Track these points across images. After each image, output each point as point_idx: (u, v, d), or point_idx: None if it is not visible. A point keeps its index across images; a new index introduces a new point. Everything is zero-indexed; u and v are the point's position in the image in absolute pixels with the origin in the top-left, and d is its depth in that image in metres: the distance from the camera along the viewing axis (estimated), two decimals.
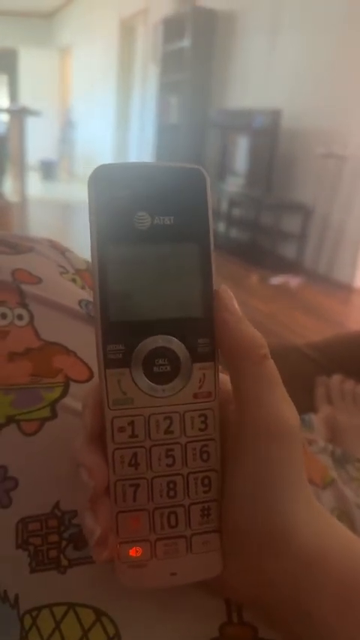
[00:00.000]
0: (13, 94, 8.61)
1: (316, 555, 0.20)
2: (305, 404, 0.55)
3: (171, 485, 0.22)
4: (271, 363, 0.22)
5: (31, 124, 4.85)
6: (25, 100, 6.93)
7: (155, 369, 0.21)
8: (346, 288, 3.07)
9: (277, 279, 3.09)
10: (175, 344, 0.21)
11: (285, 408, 0.21)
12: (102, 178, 0.20)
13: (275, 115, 3.28)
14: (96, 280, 0.20)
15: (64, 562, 0.24)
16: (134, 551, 0.22)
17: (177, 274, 0.21)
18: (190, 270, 0.21)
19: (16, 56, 8.13)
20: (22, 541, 0.25)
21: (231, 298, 0.22)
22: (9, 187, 4.72)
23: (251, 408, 0.21)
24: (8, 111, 5.10)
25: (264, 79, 3.66)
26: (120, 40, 6.15)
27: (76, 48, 7.85)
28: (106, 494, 0.21)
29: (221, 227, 3.96)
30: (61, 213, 4.93)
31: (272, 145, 3.33)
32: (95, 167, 0.20)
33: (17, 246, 0.34)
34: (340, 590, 0.20)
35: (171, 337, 0.21)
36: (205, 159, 4.18)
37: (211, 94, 4.31)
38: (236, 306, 0.22)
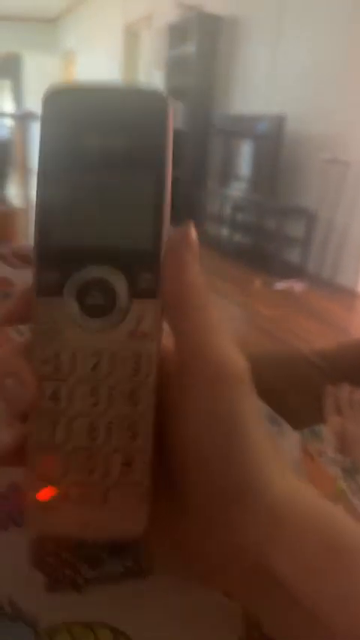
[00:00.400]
0: (17, 99, 8.67)
1: (288, 512, 0.19)
2: (314, 414, 0.56)
3: (93, 427, 0.20)
4: (213, 311, 0.21)
5: (35, 129, 4.88)
6: (29, 104, 6.98)
7: (89, 299, 0.19)
8: (350, 293, 3.07)
9: (281, 284, 3.09)
10: (114, 275, 0.19)
11: (231, 351, 0.20)
12: (53, 98, 0.19)
13: (279, 120, 3.29)
14: (37, 201, 0.19)
15: (80, 581, 0.24)
16: (46, 492, 0.20)
17: (125, 203, 0.19)
18: (140, 199, 0.19)
19: (19, 61, 8.19)
20: (38, 559, 0.25)
21: (190, 237, 0.20)
22: (12, 192, 4.75)
23: (197, 353, 0.20)
24: (12, 116, 5.14)
25: (268, 84, 3.67)
26: (124, 45, 6.20)
27: (80, 53, 7.91)
28: (25, 416, 0.20)
29: (225, 232, 3.97)
30: None
31: (276, 150, 3.34)
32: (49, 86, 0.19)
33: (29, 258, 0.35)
34: (308, 550, 0.19)
35: (110, 268, 0.19)
36: (209, 164, 4.20)
37: (215, 99, 4.33)
38: (195, 247, 0.21)
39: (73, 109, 0.19)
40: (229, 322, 2.53)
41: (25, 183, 4.76)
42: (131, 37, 6.11)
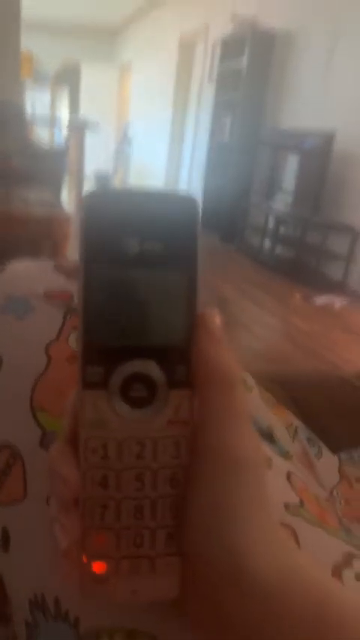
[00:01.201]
0: (73, 107, 8.95)
1: (276, 592, 0.20)
2: (354, 437, 0.57)
3: (139, 508, 0.22)
4: (236, 394, 0.22)
5: (89, 138, 5.05)
6: (85, 112, 7.20)
7: (132, 393, 0.21)
8: None
9: (321, 299, 3.08)
10: (153, 370, 0.21)
11: (242, 436, 0.21)
12: (94, 202, 0.20)
13: (328, 137, 3.29)
14: (81, 301, 0.20)
15: None
16: (98, 567, 0.22)
17: (161, 301, 0.21)
18: (175, 298, 0.21)
19: (78, 71, 8.46)
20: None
21: (214, 322, 0.22)
22: (66, 198, 4.93)
23: (208, 435, 0.21)
24: (69, 124, 5.32)
25: (319, 100, 3.68)
26: (178, 57, 6.30)
27: (136, 64, 8.09)
28: (76, 504, 0.22)
29: (267, 244, 3.99)
30: None
31: (323, 166, 3.34)
32: (89, 193, 0.20)
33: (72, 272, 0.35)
34: (301, 629, 0.19)
35: (150, 362, 0.21)
36: (254, 176, 4.23)
37: (265, 113, 4.36)
38: (219, 330, 0.22)
39: (112, 213, 0.20)
40: (266, 334, 2.55)
41: (78, 190, 4.92)
42: (186, 49, 6.21)
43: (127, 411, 0.21)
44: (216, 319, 0.22)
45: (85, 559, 0.22)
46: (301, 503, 0.31)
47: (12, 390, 0.29)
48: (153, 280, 0.21)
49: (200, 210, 0.22)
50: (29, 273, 0.34)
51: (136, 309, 0.21)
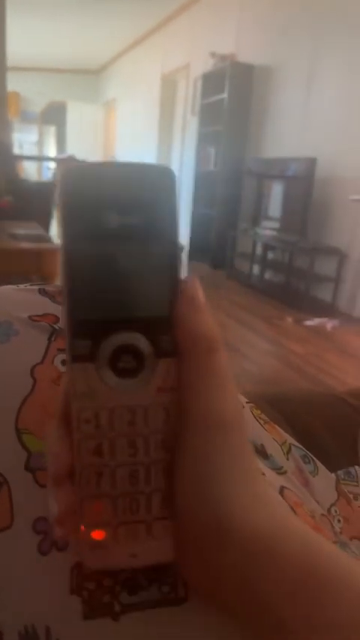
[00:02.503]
0: (60, 144, 9.15)
1: (263, 545, 0.20)
2: (350, 455, 0.56)
3: (133, 474, 0.22)
4: (218, 357, 0.22)
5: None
6: (72, 149, 7.35)
7: (120, 364, 0.21)
8: None
9: (312, 322, 3.10)
10: (140, 340, 0.21)
11: (224, 399, 0.22)
12: (72, 178, 0.20)
13: (310, 162, 3.38)
14: (64, 278, 0.20)
15: (117, 608, 0.24)
16: (97, 534, 0.22)
17: (144, 273, 0.21)
18: (157, 268, 0.21)
19: (64, 109, 8.68)
20: (77, 585, 0.24)
21: (195, 288, 0.22)
22: (55, 231, 4.97)
23: (190, 399, 0.21)
24: (55, 159, 5.42)
25: (299, 128, 3.79)
26: (161, 93, 6.50)
27: (120, 101, 8.32)
28: (67, 477, 0.22)
29: (256, 269, 4.03)
30: None
31: (307, 191, 3.42)
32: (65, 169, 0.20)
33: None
34: (292, 579, 0.20)
35: (136, 334, 0.21)
36: (241, 204, 4.31)
37: (248, 143, 4.48)
38: (200, 297, 0.22)
39: (90, 188, 0.20)
40: (260, 358, 2.55)
41: None
42: (168, 85, 6.41)
43: (116, 382, 0.21)
44: (197, 286, 0.22)
45: (83, 528, 0.22)
46: None
47: None
48: (135, 252, 0.21)
49: (177, 180, 0.21)
50: (13, 297, 0.34)
51: (120, 281, 0.21)
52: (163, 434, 0.22)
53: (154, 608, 0.24)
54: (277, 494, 0.23)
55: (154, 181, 0.21)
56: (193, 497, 0.21)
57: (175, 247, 0.21)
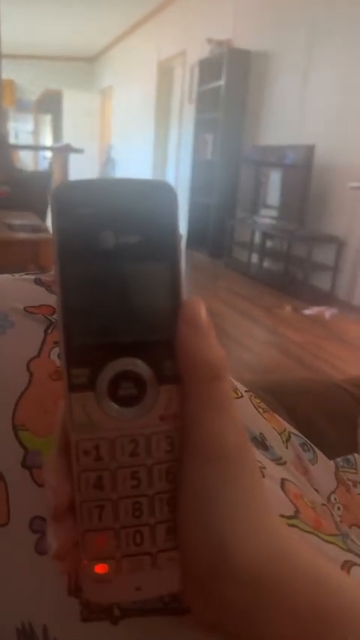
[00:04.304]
0: (56, 133, 9.08)
1: (267, 583, 0.20)
2: (349, 443, 0.54)
3: (136, 506, 0.21)
4: (222, 385, 0.21)
5: (73, 162, 5.10)
6: (68, 138, 7.30)
7: (121, 392, 0.20)
8: None
9: (310, 310, 3.10)
10: (141, 367, 0.20)
11: (227, 430, 0.20)
12: (65, 195, 0.19)
13: (308, 149, 3.35)
14: (59, 301, 0.19)
15: (117, 612, 0.24)
16: (100, 568, 0.21)
17: (143, 295, 0.20)
18: (157, 290, 0.20)
19: (60, 98, 8.60)
20: (75, 587, 0.24)
21: (197, 311, 0.20)
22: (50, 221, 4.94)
23: (192, 429, 0.20)
24: (52, 149, 5.38)
25: (297, 115, 3.75)
26: (158, 80, 6.43)
27: (116, 89, 8.24)
28: (68, 512, 0.21)
29: (254, 258, 4.02)
30: None
31: (305, 179, 3.39)
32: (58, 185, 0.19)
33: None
34: (296, 616, 0.19)
35: (136, 360, 0.20)
36: (238, 192, 4.29)
37: (245, 130, 4.44)
38: (203, 319, 0.20)
39: (84, 206, 0.19)
40: (258, 347, 2.55)
41: None
42: (165, 72, 6.34)
43: (117, 411, 0.20)
44: (200, 308, 0.21)
45: (85, 561, 0.21)
46: (296, 512, 0.30)
47: None
48: (133, 274, 0.20)
49: (177, 195, 0.20)
50: (8, 287, 0.33)
51: (117, 305, 0.20)
52: (167, 464, 0.21)
53: (155, 616, 0.23)
54: (284, 526, 0.23)
55: (152, 198, 0.20)
56: (195, 532, 0.20)
57: (177, 267, 0.20)
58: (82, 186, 0.19)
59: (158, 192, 0.20)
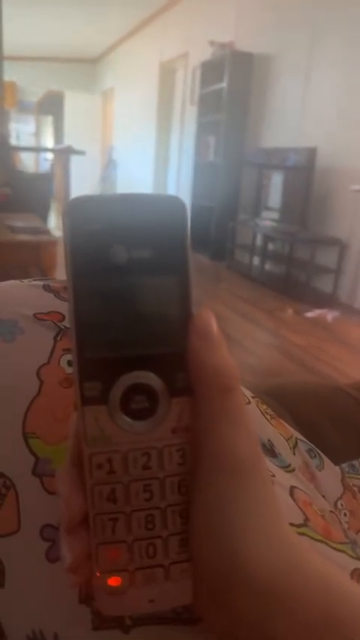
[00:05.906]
0: (58, 134, 9.09)
1: (279, 593, 0.20)
2: (354, 448, 0.55)
3: (149, 519, 0.21)
4: (234, 396, 0.21)
5: (75, 163, 5.10)
6: (69, 139, 7.30)
7: (133, 405, 0.20)
8: None
9: (312, 313, 3.10)
10: (153, 380, 0.20)
11: (240, 441, 0.20)
12: (77, 211, 0.19)
13: (310, 152, 3.35)
14: (72, 315, 0.19)
15: (128, 621, 0.24)
16: (113, 581, 0.21)
17: (154, 309, 0.20)
18: (168, 303, 0.20)
19: (61, 99, 8.61)
20: (86, 596, 0.24)
21: (208, 323, 0.21)
22: (53, 223, 4.95)
23: (205, 441, 0.21)
24: (54, 150, 5.38)
25: (299, 118, 3.75)
26: (160, 82, 6.43)
27: (118, 90, 8.24)
28: (81, 524, 0.21)
29: (256, 261, 4.02)
30: None
31: (307, 182, 3.39)
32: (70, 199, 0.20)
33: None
34: (308, 625, 0.19)
35: (149, 373, 0.20)
36: (240, 195, 4.29)
37: (247, 132, 4.44)
38: (214, 331, 0.21)
39: (96, 221, 0.19)
40: (260, 349, 2.55)
41: None
42: (167, 74, 6.34)
43: (129, 424, 0.20)
44: (211, 320, 0.21)
45: (98, 574, 0.21)
46: (306, 520, 0.30)
47: (2, 416, 0.28)
48: (144, 288, 0.20)
49: (188, 211, 0.20)
50: (17, 293, 0.33)
51: (129, 318, 0.20)
52: (180, 476, 0.21)
53: (166, 625, 0.23)
54: (295, 534, 0.22)
55: (163, 212, 0.20)
56: (207, 542, 0.20)
57: (187, 280, 0.20)
58: (93, 202, 0.20)
59: (169, 207, 0.20)
